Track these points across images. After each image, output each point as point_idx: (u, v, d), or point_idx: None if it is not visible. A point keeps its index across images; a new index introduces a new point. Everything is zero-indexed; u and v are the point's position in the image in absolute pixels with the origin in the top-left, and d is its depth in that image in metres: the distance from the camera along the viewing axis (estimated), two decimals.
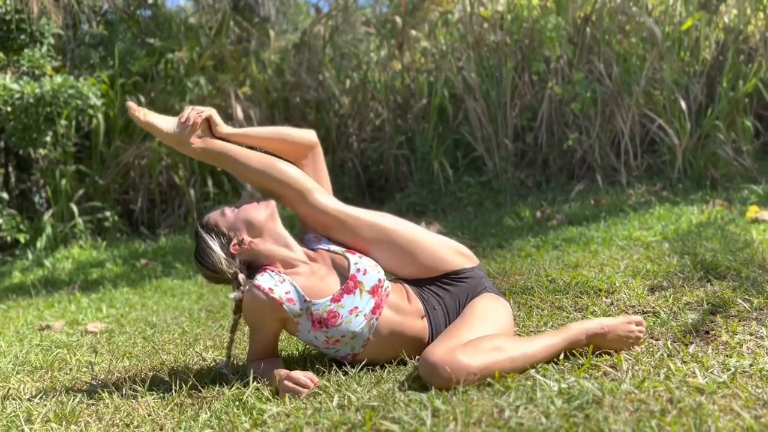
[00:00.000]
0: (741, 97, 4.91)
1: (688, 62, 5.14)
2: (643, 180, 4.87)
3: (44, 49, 5.07)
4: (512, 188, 5.15)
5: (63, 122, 5.01)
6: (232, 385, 1.67)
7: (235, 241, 1.72)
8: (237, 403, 1.53)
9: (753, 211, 3.54)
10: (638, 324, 1.64)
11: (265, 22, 7.50)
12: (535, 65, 5.06)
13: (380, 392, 1.48)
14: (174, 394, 1.68)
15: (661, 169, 4.93)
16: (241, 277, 1.72)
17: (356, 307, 1.67)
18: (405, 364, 1.68)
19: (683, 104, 4.79)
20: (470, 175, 5.34)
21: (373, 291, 1.70)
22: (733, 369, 1.39)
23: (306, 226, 1.88)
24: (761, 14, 5.63)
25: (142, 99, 5.39)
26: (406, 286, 1.81)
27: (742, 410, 1.19)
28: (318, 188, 1.82)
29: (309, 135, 1.94)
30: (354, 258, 1.75)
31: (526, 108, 5.30)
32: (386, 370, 1.67)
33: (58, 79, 4.69)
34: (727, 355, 1.52)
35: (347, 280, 1.70)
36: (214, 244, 1.71)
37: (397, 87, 5.83)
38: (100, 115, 5.07)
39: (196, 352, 2.16)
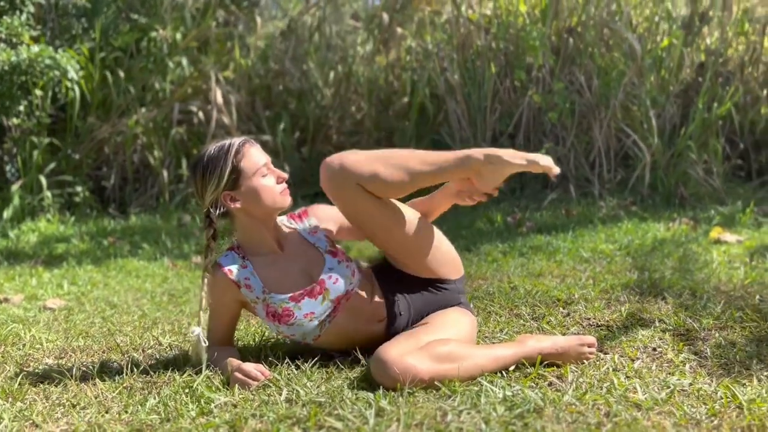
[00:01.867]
0: (715, 120, 5.01)
1: (668, 80, 5.22)
2: (614, 193, 4.94)
3: (24, 17, 4.98)
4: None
5: (38, 92, 4.93)
6: (184, 372, 1.67)
7: (233, 194, 1.64)
8: (186, 391, 1.54)
9: (716, 231, 3.62)
10: (590, 345, 1.66)
11: (254, 7, 7.45)
12: (518, 73, 5.10)
13: (329, 389, 1.50)
14: (125, 377, 1.68)
15: (634, 183, 5.00)
16: (213, 217, 1.66)
17: (312, 312, 1.67)
18: (359, 362, 1.69)
19: (654, 122, 4.86)
20: None
21: (336, 300, 1.69)
22: (672, 387, 1.43)
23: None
24: (742, 38, 5.74)
25: (122, 74, 5.32)
26: (377, 284, 1.78)
27: (673, 428, 1.23)
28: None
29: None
30: (331, 262, 1.71)
31: (505, 113, 5.34)
32: (338, 368, 1.68)
33: (36, 48, 4.61)
34: (669, 373, 1.56)
35: (314, 284, 1.68)
36: (216, 176, 1.61)
37: (381, 83, 5.84)
38: (77, 88, 5.00)
39: (153, 336, 2.16)
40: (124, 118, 5.27)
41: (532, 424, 1.25)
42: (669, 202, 4.80)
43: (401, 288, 1.78)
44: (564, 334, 1.92)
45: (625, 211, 4.42)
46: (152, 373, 1.69)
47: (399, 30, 5.59)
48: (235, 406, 1.44)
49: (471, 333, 1.73)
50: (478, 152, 1.65)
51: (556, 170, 1.64)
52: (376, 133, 5.63)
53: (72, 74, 4.80)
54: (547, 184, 5.26)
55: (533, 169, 1.66)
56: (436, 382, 1.46)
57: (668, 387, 1.44)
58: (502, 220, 4.42)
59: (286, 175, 1.71)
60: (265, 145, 5.45)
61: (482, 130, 5.33)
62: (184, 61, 5.38)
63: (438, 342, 1.57)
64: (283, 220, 1.79)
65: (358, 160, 1.59)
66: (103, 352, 2.01)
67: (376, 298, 1.76)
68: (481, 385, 1.46)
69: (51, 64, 4.65)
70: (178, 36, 5.52)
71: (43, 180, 4.89)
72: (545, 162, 1.64)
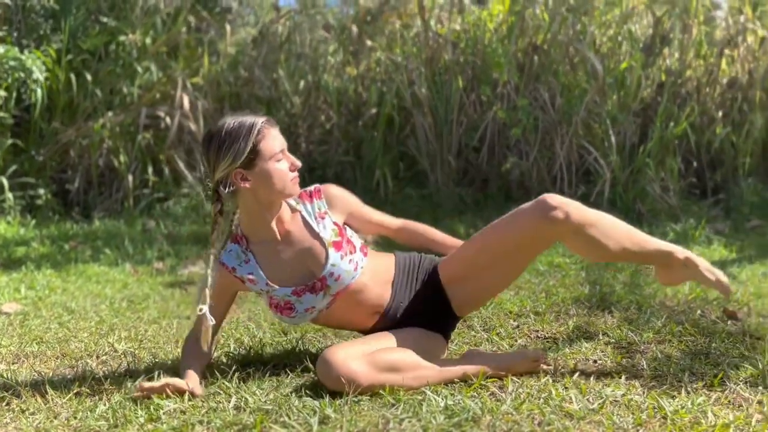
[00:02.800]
0: (671, 139, 5.17)
1: (628, 100, 5.37)
2: None
3: None
4: (452, 204, 5.27)
5: (2, 93, 4.86)
6: (136, 378, 1.69)
7: (245, 174, 1.59)
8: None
9: None
10: (536, 360, 1.70)
11: (226, 13, 7.46)
12: (483, 88, 5.21)
13: (277, 396, 1.54)
14: (76, 383, 1.69)
15: (594, 198, 5.13)
16: (222, 193, 1.63)
17: (313, 307, 1.70)
18: (309, 370, 1.73)
19: (614, 139, 5.01)
20: (412, 187, 5.44)
21: (336, 294, 1.70)
22: (605, 398, 1.50)
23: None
24: (701, 61, 5.95)
25: (89, 78, 5.28)
26: (393, 274, 1.77)
27: None
28: None
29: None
30: (334, 257, 1.67)
31: (471, 127, 5.44)
32: (289, 376, 1.72)
33: (0, 49, 4.55)
34: (605, 384, 1.63)
35: (315, 280, 1.67)
36: (233, 153, 1.56)
37: (350, 93, 5.89)
38: (41, 90, 4.95)
39: (109, 342, 2.17)
40: (91, 121, 5.23)
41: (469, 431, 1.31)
42: (627, 217, 4.93)
43: (418, 300, 1.78)
44: (512, 346, 2.00)
45: None
46: (104, 380, 1.71)
47: (369, 42, 5.66)
48: (183, 412, 1.47)
49: (431, 351, 1.71)
50: (680, 252, 1.75)
51: (727, 292, 1.76)
52: (344, 143, 5.68)
53: (37, 75, 4.76)
54: (511, 197, 5.37)
55: (716, 288, 1.76)
56: (380, 391, 1.51)
57: (602, 398, 1.51)
58: (464, 232, 4.50)
59: (299, 164, 1.69)
60: None
61: (448, 143, 5.42)
62: (153, 66, 5.37)
63: (387, 350, 1.62)
64: (290, 201, 1.75)
65: (584, 211, 1.69)
66: (57, 358, 2.02)
67: (381, 291, 1.74)
68: (425, 395, 1.51)
69: (15, 66, 4.61)
70: (148, 40, 5.50)
71: (5, 181, 4.82)
72: (726, 288, 1.75)
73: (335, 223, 1.73)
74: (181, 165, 5.16)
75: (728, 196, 5.33)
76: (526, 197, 5.21)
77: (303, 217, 1.72)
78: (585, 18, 5.70)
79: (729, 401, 1.48)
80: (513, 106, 5.23)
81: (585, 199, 5.22)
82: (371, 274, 1.73)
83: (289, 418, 1.39)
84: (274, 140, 1.62)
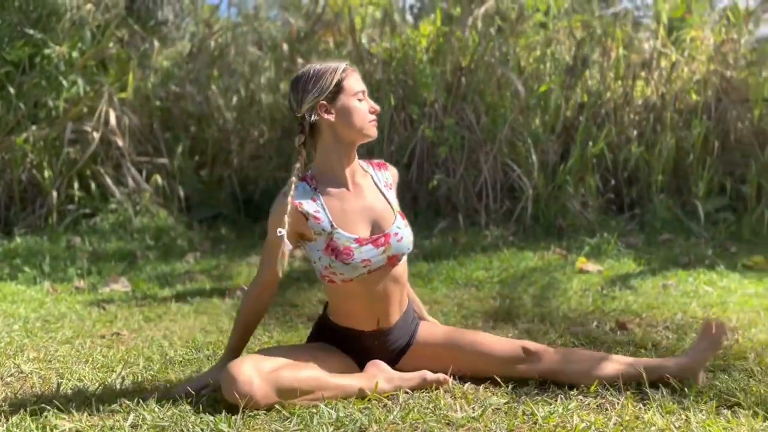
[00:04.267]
0: (590, 158, 5.44)
1: (550, 119, 5.63)
2: (500, 223, 5.26)
3: None
4: None
5: None
6: (34, 402, 1.70)
7: (328, 107, 1.71)
8: (32, 417, 1.57)
9: (581, 262, 3.96)
10: (437, 384, 1.76)
11: (162, 26, 7.39)
12: (412, 107, 5.36)
13: (175, 413, 1.58)
14: None
15: (518, 215, 5.34)
16: (303, 128, 1.72)
17: (369, 260, 1.72)
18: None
19: (536, 157, 5.24)
20: None
21: (392, 258, 1.75)
22: (487, 406, 1.61)
23: None
24: (619, 82, 6.28)
25: (12, 90, 5.16)
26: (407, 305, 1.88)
27: None
28: None
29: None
30: (400, 222, 1.78)
31: (401, 145, 5.58)
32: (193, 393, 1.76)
33: None
34: (493, 393, 1.74)
35: (380, 235, 1.73)
36: (319, 86, 1.69)
37: (283, 109, 5.94)
38: None
39: (15, 363, 2.15)
40: (13, 135, 5.10)
41: None
42: (549, 232, 5.16)
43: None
44: None
45: (506, 240, 4.71)
46: (3, 402, 1.71)
47: (300, 60, 5.74)
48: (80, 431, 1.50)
49: (337, 369, 1.77)
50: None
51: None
52: (277, 159, 5.72)
53: None
54: (439, 213, 5.52)
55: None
56: (276, 405, 1.58)
57: (485, 406, 1.62)
58: None
59: (378, 108, 1.79)
60: (162, 168, 5.45)
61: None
62: (80, 80, 5.29)
63: (293, 367, 1.66)
64: (361, 163, 1.83)
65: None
66: None
67: (397, 305, 1.83)
68: (319, 408, 1.59)
69: None
70: (75, 53, 5.42)
71: None
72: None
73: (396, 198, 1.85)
74: (109, 180, 5.09)
75: (643, 211, 5.63)
76: (454, 213, 5.39)
77: (373, 180, 1.83)
78: (511, 40, 5.95)
79: (597, 405, 1.62)
80: (440, 125, 5.40)
81: (509, 215, 5.44)
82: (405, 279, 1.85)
83: None
84: (356, 81, 1.75)
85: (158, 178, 5.24)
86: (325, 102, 1.70)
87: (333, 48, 6.02)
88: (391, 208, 1.80)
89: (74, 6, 5.87)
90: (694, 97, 6.04)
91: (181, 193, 5.31)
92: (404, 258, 1.82)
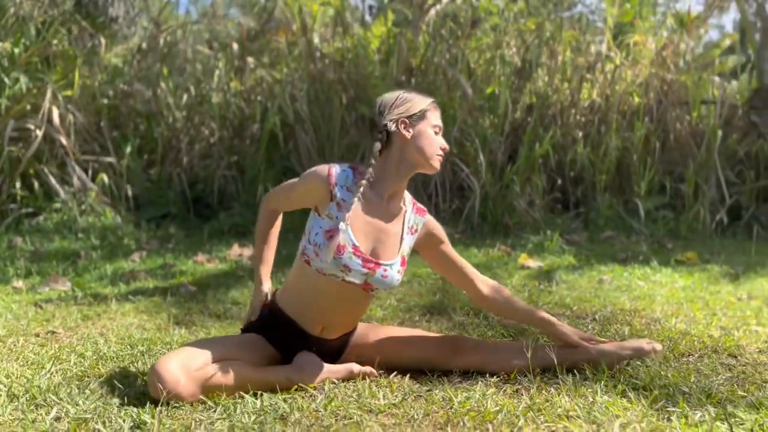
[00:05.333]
0: (536, 158, 5.58)
1: (499, 121, 5.75)
2: (450, 222, 5.35)
3: None
4: None
5: None
6: None
7: (409, 123, 1.80)
8: None
9: (523, 258, 4.06)
10: (365, 375, 1.83)
11: (112, 22, 7.27)
12: (361, 107, 5.41)
13: (99, 405, 1.59)
14: None
15: (467, 213, 5.44)
16: (382, 137, 1.81)
17: (350, 270, 1.76)
18: (137, 378, 1.79)
19: (485, 157, 5.35)
20: None
21: (367, 285, 1.80)
22: (408, 393, 1.67)
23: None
24: (566, 84, 6.45)
25: None
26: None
27: (394, 426, 1.46)
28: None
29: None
30: (396, 265, 1.83)
31: (353, 144, 5.62)
32: (121, 386, 1.77)
33: None
34: (418, 381, 1.80)
35: (373, 261, 1.78)
36: (408, 105, 1.81)
37: (233, 108, 5.94)
38: None
39: None
40: None
41: (273, 428, 1.43)
42: (496, 230, 5.28)
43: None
44: None
45: (452, 239, 4.79)
46: None
47: (250, 59, 5.74)
48: (1, 424, 1.50)
49: (264, 362, 1.82)
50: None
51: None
52: (227, 158, 5.71)
53: None
54: None
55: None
56: (201, 396, 1.60)
57: (406, 393, 1.67)
58: None
59: (447, 147, 1.89)
60: (109, 167, 5.38)
61: (330, 160, 5.58)
62: (23, 77, 5.18)
63: (218, 365, 1.68)
64: (407, 194, 1.90)
65: None
66: None
67: (350, 323, 1.92)
68: (244, 398, 1.62)
69: None
70: (18, 49, 5.31)
71: None
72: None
73: (412, 246, 1.91)
74: (53, 179, 5.00)
75: (587, 210, 5.81)
76: None
77: (404, 216, 1.88)
78: (461, 42, 6.06)
79: (514, 391, 1.69)
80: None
81: (458, 214, 5.54)
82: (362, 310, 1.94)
83: (104, 425, 1.45)
84: (437, 117, 1.89)
85: (105, 177, 5.17)
86: (407, 120, 1.80)
87: (284, 47, 6.03)
88: (399, 248, 1.85)
89: (18, 1, 5.75)
90: (636, 99, 6.25)
91: (130, 192, 5.26)
92: (375, 294, 1.89)
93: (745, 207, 5.73)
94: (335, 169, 1.79)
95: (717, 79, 6.62)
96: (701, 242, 5.08)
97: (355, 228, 1.78)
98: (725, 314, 2.64)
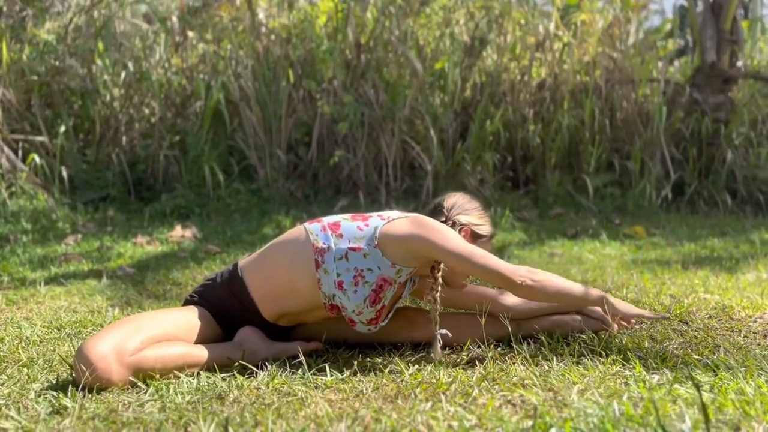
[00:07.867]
0: (487, 136, 5.55)
1: (449, 98, 5.69)
2: (400, 201, 5.27)
3: None
4: (281, 198, 5.27)
5: None
6: None
7: (470, 232, 1.84)
8: None
9: None
10: (310, 350, 1.74)
11: None
12: (308, 83, 5.26)
13: (14, 391, 1.44)
14: None
15: (417, 192, 5.37)
16: (451, 218, 1.85)
17: (362, 313, 1.69)
18: (68, 364, 1.65)
19: (435, 135, 5.28)
20: (241, 182, 5.36)
21: (331, 307, 1.71)
22: (360, 368, 1.58)
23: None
24: (515, 64, 6.44)
25: None
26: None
27: (341, 401, 1.36)
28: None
29: None
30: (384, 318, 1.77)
31: (300, 122, 5.47)
32: (44, 371, 1.63)
33: None
34: (369, 357, 1.71)
35: (381, 305, 1.71)
36: (477, 220, 1.87)
37: (175, 86, 5.68)
38: None
39: None
40: None
41: (209, 408, 1.31)
42: None
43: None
44: None
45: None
46: None
47: (191, 34, 5.49)
48: None
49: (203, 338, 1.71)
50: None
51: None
52: (169, 137, 5.46)
53: None
54: (339, 191, 5.47)
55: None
56: (132, 378, 1.47)
57: (354, 368, 1.58)
58: (290, 225, 4.52)
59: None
60: (41, 147, 5.07)
61: (277, 138, 5.41)
62: None
63: (155, 346, 1.54)
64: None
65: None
66: None
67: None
68: (180, 378, 1.50)
69: None
70: None
71: None
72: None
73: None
74: None
75: (537, 187, 5.82)
76: (355, 191, 5.36)
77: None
78: (410, 19, 5.96)
79: (468, 362, 1.62)
80: (340, 102, 5.34)
81: (409, 193, 5.47)
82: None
83: (18, 412, 1.31)
84: (488, 245, 1.92)
85: (36, 158, 4.87)
86: (471, 230, 1.86)
87: (228, 23, 5.80)
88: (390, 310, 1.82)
89: None
90: (584, 77, 6.29)
91: (65, 174, 4.97)
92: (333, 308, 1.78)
93: (688, 183, 5.84)
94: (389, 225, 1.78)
95: (660, 64, 6.72)
96: (647, 217, 5.16)
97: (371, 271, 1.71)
98: (674, 283, 2.64)
